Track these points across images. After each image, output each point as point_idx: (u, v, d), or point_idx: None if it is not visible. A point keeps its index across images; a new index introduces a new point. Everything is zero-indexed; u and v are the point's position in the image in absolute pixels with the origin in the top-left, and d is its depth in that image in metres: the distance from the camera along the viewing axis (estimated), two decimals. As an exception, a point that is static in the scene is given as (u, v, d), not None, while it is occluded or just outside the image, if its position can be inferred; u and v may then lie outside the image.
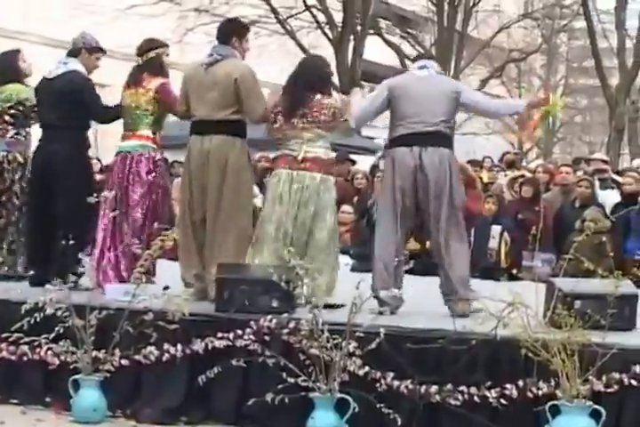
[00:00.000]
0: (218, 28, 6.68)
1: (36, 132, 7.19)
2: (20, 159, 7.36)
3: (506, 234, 10.17)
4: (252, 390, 5.49)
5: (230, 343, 5.53)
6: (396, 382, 5.26)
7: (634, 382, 4.94)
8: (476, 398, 5.13)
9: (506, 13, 30.01)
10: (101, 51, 7.10)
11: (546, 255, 9.74)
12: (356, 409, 5.21)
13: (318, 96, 6.31)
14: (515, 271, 9.82)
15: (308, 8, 22.38)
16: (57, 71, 6.93)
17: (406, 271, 6.27)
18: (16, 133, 7.40)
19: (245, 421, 5.53)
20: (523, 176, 11.33)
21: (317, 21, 22.52)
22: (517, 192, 10.86)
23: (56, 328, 5.59)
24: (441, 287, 6.28)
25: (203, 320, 5.72)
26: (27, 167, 7.33)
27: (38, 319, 5.53)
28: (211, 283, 6.12)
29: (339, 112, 6.32)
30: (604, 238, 8.63)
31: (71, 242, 5.93)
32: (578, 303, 5.34)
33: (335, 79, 18.04)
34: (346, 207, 10.90)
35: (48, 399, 5.85)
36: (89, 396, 5.56)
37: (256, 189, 10.66)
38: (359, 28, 22.17)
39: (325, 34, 22.27)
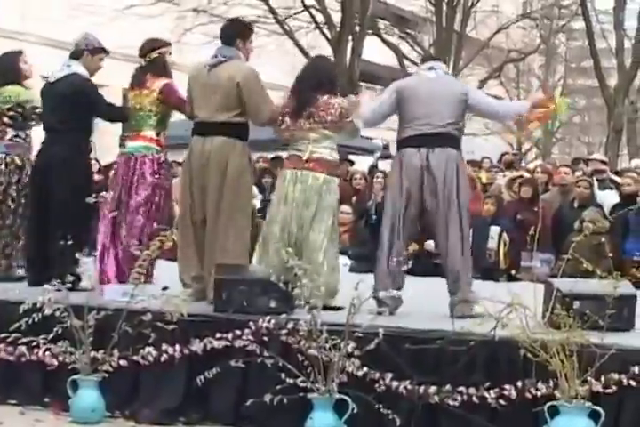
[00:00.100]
0: (221, 29, 6.67)
1: (39, 135, 7.17)
2: (18, 162, 7.34)
3: (504, 234, 10.19)
4: (251, 390, 5.49)
5: (229, 344, 5.53)
6: (394, 383, 5.25)
7: (632, 383, 4.94)
8: (474, 398, 5.13)
9: (504, 14, 30.03)
10: (104, 51, 7.07)
11: (544, 256, 9.74)
12: (355, 410, 5.21)
13: (325, 96, 6.32)
14: (513, 272, 9.74)
15: (306, 8, 22.37)
16: (59, 74, 6.92)
17: (405, 272, 6.27)
18: (15, 136, 7.39)
19: (244, 421, 5.53)
20: (521, 177, 11.33)
21: (316, 22, 22.51)
22: (516, 193, 10.87)
23: (54, 329, 5.59)
24: (448, 287, 6.26)
25: (201, 321, 5.72)
26: (24, 170, 7.31)
27: (36, 320, 5.53)
28: (209, 284, 6.12)
29: (345, 112, 6.32)
30: (602, 239, 8.63)
31: (69, 242, 5.93)
32: (576, 304, 5.34)
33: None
34: (344, 208, 10.89)
35: (47, 400, 5.86)
36: (87, 396, 5.56)
37: (255, 190, 10.69)
38: (358, 28, 22.16)
39: (324, 34, 22.26)
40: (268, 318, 5.49)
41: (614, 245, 9.16)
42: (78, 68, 6.90)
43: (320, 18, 22.34)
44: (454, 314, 5.96)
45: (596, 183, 10.92)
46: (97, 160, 12.09)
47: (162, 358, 5.64)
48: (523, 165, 16.78)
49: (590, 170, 12.03)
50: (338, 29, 21.74)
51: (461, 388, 5.16)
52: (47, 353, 5.76)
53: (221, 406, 5.62)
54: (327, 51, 20.70)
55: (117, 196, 6.70)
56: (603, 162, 12.62)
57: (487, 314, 5.14)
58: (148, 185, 6.66)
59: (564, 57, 38.09)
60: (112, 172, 6.76)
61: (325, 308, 5.61)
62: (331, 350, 5.20)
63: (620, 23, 24.91)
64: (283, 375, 5.27)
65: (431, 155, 6.20)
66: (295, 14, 22.78)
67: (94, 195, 6.22)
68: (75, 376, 5.60)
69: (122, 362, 5.65)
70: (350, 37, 21.89)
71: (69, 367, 5.65)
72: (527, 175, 11.59)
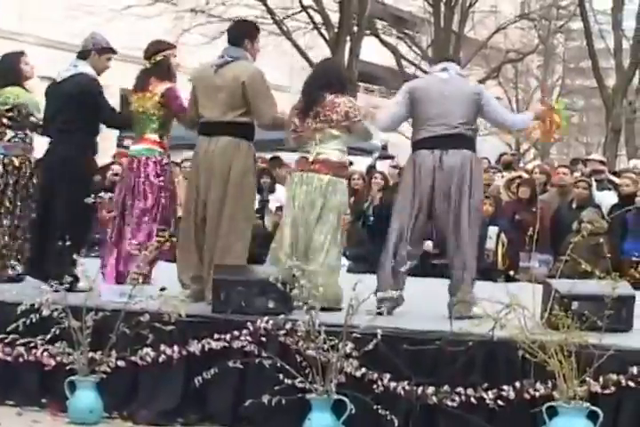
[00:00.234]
0: (228, 29, 6.68)
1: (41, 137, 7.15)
2: (17, 163, 7.32)
3: (503, 235, 10.19)
4: (249, 391, 5.49)
5: (227, 345, 5.52)
6: (392, 384, 5.25)
7: (631, 384, 4.94)
8: (472, 399, 5.13)
9: (502, 14, 30.04)
10: (112, 51, 7.05)
11: (543, 256, 9.75)
12: (353, 410, 5.21)
13: (332, 95, 6.32)
14: (512, 272, 9.78)
15: (304, 9, 22.37)
16: (65, 74, 6.90)
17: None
18: (14, 137, 7.37)
19: (242, 422, 5.53)
20: (520, 177, 11.32)
21: (314, 22, 22.51)
22: (514, 193, 10.85)
23: (52, 329, 5.59)
24: (449, 287, 6.25)
25: (199, 321, 5.72)
26: (22, 171, 7.29)
27: (34, 320, 5.52)
28: (208, 284, 6.11)
29: (351, 111, 6.31)
30: (601, 239, 8.64)
31: (68, 243, 5.92)
32: (575, 304, 5.34)
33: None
34: (342, 208, 10.87)
35: (44, 401, 5.86)
36: (85, 397, 5.55)
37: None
38: (356, 28, 22.17)
39: (322, 34, 22.27)
40: (266, 318, 5.48)
41: (612, 245, 9.16)
42: (85, 67, 6.88)
43: (318, 18, 22.34)
44: (453, 315, 5.95)
45: (594, 184, 10.91)
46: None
47: (160, 359, 5.63)
48: (521, 165, 16.75)
49: (589, 170, 12.01)
50: (336, 30, 21.75)
51: (459, 388, 5.15)
52: (45, 354, 5.75)
53: (219, 406, 5.62)
54: (325, 51, 20.71)
55: (122, 198, 6.68)
56: (601, 162, 12.62)
57: (485, 315, 5.13)
58: (153, 188, 6.63)
59: (562, 57, 38.14)
60: (109, 172, 6.77)
61: (323, 309, 5.60)
62: (329, 351, 5.20)
63: (618, 23, 24.91)
64: (281, 376, 5.26)
65: (445, 156, 6.18)
66: (293, 15, 22.79)
67: (93, 195, 6.22)
68: (72, 377, 5.60)
69: (120, 363, 5.64)
70: (348, 38, 21.91)
71: (67, 368, 5.64)
72: (525, 176, 11.57)
